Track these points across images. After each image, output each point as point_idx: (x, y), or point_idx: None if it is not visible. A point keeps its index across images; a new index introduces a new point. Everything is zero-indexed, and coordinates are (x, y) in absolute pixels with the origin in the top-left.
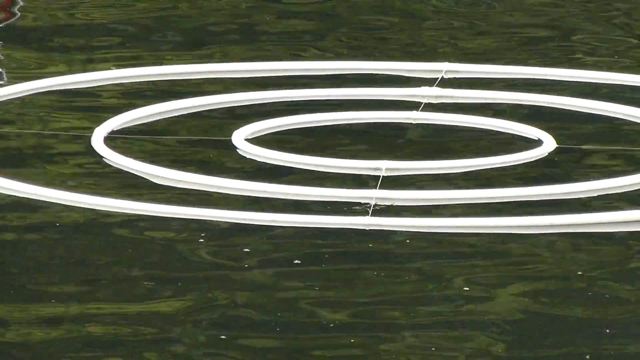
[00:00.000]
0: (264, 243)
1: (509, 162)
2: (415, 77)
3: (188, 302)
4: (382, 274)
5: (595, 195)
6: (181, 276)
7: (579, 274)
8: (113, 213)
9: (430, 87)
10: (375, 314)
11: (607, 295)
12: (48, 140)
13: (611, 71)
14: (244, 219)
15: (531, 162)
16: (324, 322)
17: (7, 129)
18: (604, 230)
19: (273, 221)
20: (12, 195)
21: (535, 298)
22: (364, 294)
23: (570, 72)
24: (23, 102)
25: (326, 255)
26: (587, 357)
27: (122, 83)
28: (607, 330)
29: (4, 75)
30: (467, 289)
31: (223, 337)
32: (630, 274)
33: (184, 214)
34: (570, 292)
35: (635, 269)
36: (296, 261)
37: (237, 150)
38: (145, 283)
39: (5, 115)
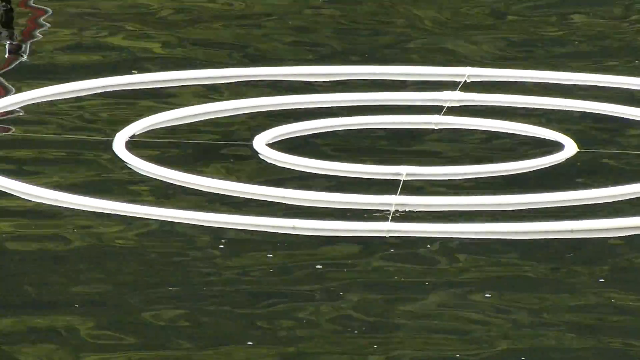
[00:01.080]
0: (284, 249)
1: (530, 166)
2: (437, 81)
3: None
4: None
5: (622, 199)
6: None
7: None
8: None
9: (453, 92)
10: None
11: None
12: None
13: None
14: (264, 225)
15: (552, 166)
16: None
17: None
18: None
19: (293, 228)
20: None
21: None
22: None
23: (593, 77)
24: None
25: (349, 261)
26: None
27: (144, 88)
28: None
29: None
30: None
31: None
32: None
33: (201, 220)
34: None
35: None
36: (318, 266)
37: (258, 155)
38: None
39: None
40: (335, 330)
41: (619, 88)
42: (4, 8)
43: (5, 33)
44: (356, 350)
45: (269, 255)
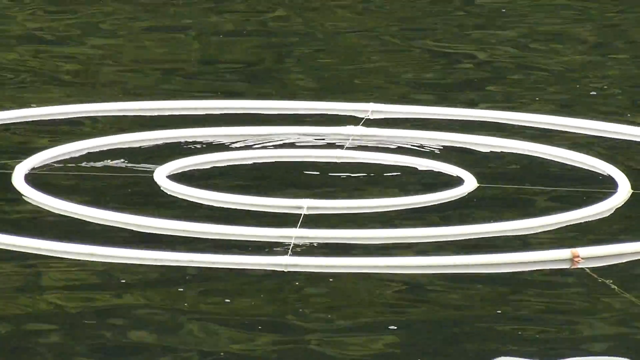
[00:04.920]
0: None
1: (431, 201)
2: (340, 116)
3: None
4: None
5: (518, 234)
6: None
7: None
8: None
9: (355, 127)
10: None
11: None
12: None
13: (529, 112)
14: (168, 260)
15: (452, 201)
16: None
17: None
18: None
19: (190, 261)
20: None
21: None
22: None
23: (492, 113)
24: None
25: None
26: None
27: (41, 120)
28: None
29: None
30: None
31: None
32: None
33: (104, 254)
34: None
35: None
36: (227, 300)
37: (160, 187)
38: None
39: None
40: None
41: (526, 126)
42: None
43: None
44: None
45: (179, 290)
